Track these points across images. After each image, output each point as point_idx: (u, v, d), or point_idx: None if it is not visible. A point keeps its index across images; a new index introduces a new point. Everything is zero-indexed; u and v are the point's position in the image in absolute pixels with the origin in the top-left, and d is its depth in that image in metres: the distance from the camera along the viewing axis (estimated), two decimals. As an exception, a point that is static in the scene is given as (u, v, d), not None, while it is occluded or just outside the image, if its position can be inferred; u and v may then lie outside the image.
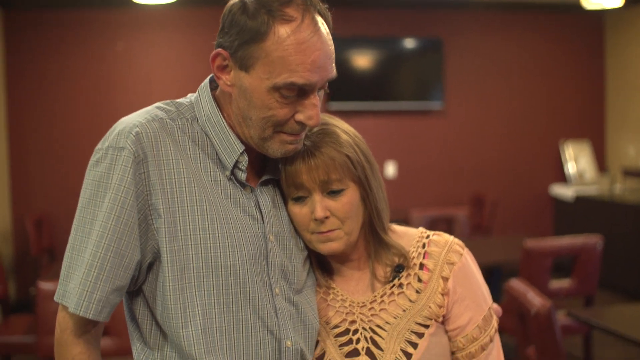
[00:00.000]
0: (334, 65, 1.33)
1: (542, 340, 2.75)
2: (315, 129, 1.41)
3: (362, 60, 7.06)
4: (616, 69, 7.66)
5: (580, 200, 7.14)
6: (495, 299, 4.49)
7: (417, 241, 1.51)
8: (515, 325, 3.08)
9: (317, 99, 1.31)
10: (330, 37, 1.32)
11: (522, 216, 7.58)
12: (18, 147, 6.50)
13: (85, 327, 1.30)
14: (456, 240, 1.51)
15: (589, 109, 7.76)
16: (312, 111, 1.30)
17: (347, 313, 1.48)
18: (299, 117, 1.31)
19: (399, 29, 7.19)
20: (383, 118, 7.19)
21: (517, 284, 3.06)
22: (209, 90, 1.40)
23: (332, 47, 1.32)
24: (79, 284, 1.25)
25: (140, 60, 6.72)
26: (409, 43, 7.20)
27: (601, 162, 7.78)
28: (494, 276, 4.67)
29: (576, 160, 7.53)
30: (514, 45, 7.54)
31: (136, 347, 1.37)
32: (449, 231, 5.30)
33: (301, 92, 1.29)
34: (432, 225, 5.83)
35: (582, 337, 4.11)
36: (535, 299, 2.82)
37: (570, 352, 4.33)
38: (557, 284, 4.07)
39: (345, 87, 6.94)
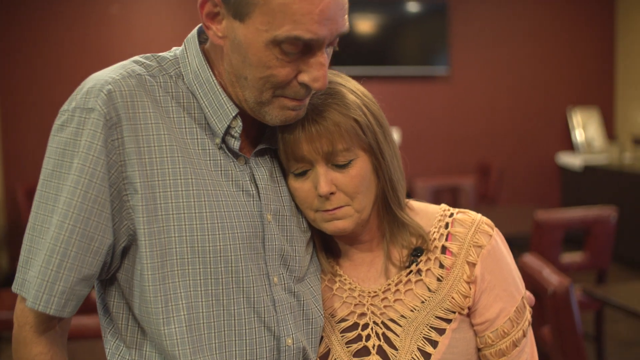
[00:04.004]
0: (346, 17, 1.09)
1: (558, 320, 2.57)
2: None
3: (365, 24, 6.79)
4: (626, 34, 7.39)
5: (589, 170, 6.93)
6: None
7: (439, 220, 1.29)
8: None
9: (325, 57, 1.09)
10: None
11: (529, 185, 7.38)
12: (8, 115, 6.24)
13: (48, 322, 1.10)
14: (484, 219, 1.29)
15: (597, 75, 7.51)
16: (318, 72, 1.08)
17: (355, 304, 1.27)
18: (303, 78, 1.08)
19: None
20: (386, 83, 6.95)
21: (531, 260, 2.87)
22: (197, 42, 1.18)
23: None
24: (39, 272, 1.04)
25: (137, 24, 6.43)
26: (413, 6, 6.93)
27: (610, 130, 7.54)
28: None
29: (584, 127, 7.29)
30: (521, 9, 7.27)
31: (109, 345, 1.17)
32: (455, 201, 5.08)
33: (306, 48, 1.06)
34: (437, 195, 5.62)
35: (594, 313, 3.93)
36: (552, 277, 2.63)
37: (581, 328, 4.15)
38: (569, 257, 3.88)
39: (347, 51, 6.62)
